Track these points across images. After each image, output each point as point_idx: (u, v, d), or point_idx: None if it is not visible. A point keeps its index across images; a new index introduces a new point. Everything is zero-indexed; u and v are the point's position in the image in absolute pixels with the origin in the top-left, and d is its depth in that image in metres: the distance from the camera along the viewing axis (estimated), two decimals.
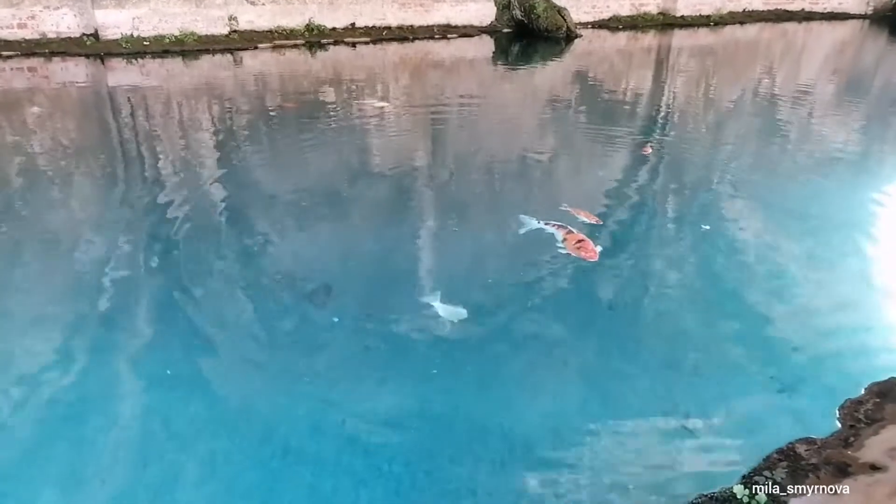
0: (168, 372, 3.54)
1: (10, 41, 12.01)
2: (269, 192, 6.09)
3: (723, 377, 3.56)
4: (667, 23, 18.87)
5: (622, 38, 17.19)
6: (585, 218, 5.37)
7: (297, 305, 4.21)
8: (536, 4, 16.20)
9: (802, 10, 21.24)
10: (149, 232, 5.20)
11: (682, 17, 19.18)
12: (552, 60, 14.14)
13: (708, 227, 5.34)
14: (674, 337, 3.92)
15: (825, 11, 21.48)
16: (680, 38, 17.45)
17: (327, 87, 10.68)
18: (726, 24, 19.47)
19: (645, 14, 18.99)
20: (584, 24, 17.77)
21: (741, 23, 19.79)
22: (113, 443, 3.06)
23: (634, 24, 18.57)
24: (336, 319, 4.01)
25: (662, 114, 9.41)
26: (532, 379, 3.55)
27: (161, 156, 7.00)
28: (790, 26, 19.75)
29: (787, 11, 21.02)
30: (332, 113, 8.98)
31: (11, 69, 11.22)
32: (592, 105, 9.95)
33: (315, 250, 5.04)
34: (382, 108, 9.18)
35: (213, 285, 4.43)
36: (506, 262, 4.79)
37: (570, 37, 16.15)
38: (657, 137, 7.91)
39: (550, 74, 12.74)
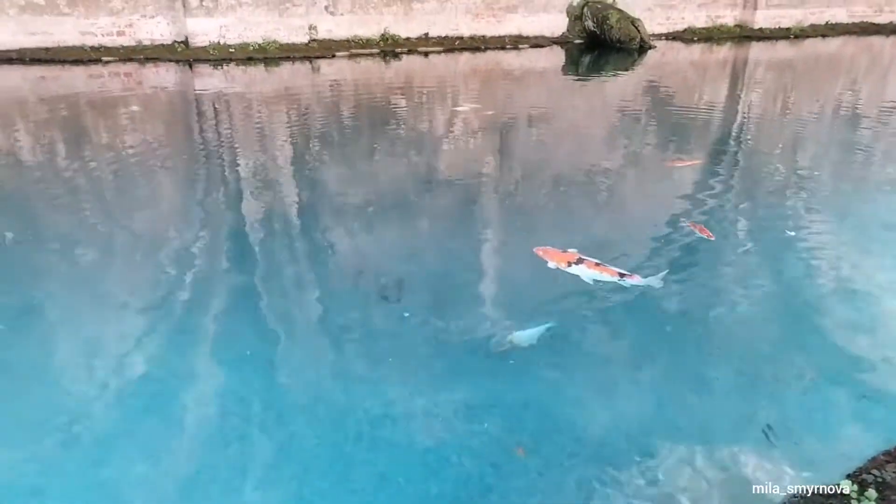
0: (248, 352, 3.81)
1: (109, 48, 12.90)
2: (339, 194, 6.38)
3: (804, 384, 3.56)
4: (744, 35, 18.43)
5: (696, 50, 16.92)
6: (701, 233, 5.32)
7: (370, 299, 4.43)
8: (610, 15, 16.15)
9: (891, 22, 20.20)
10: (228, 227, 5.56)
11: (761, 29, 18.68)
12: (624, 72, 14.08)
13: (793, 234, 5.36)
14: (755, 343, 3.94)
15: None
16: (757, 51, 17.02)
17: (398, 94, 11.00)
18: (807, 37, 18.82)
19: (721, 26, 18.61)
20: (658, 36, 17.58)
21: (823, 36, 19.09)
22: (197, 420, 3.30)
23: (710, 36, 18.23)
24: (407, 314, 4.21)
25: (736, 128, 9.26)
26: (606, 381, 3.61)
27: (240, 157, 7.43)
28: (877, 40, 18.87)
29: (874, 24, 20.07)
30: (401, 120, 9.26)
31: (110, 73, 12.04)
32: (663, 118, 9.88)
33: (384, 250, 5.25)
34: (462, 111, 9.40)
35: (289, 278, 4.71)
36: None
37: (644, 48, 16.02)
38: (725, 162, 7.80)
39: (621, 86, 12.69)
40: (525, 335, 3.88)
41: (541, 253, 4.88)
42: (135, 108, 9.66)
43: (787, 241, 5.30)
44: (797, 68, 15.13)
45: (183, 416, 3.33)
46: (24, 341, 3.92)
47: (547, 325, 3.97)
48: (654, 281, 4.53)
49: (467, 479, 2.92)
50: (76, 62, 12.42)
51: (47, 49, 12.50)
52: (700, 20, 18.40)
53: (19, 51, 12.31)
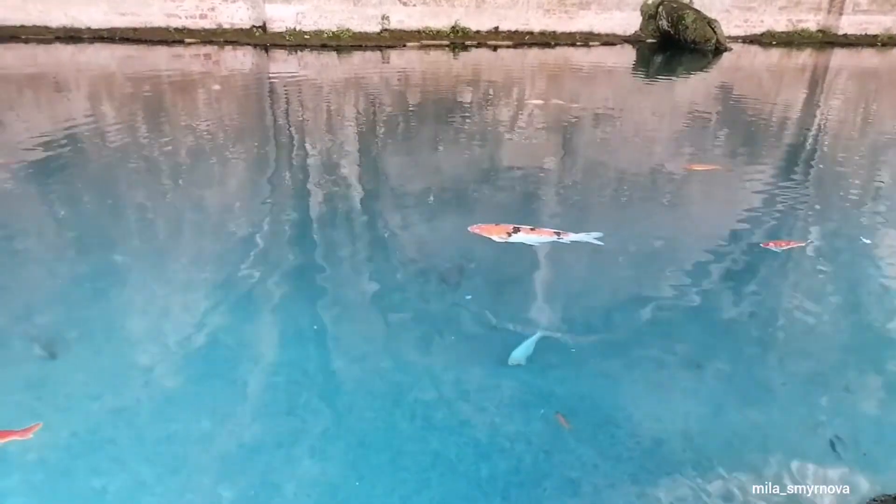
0: (315, 327, 3.99)
1: (192, 30, 13.46)
2: (402, 181, 6.53)
3: (878, 397, 3.52)
4: (826, 41, 17.72)
5: (775, 54, 16.37)
6: (775, 246, 5.23)
7: (430, 283, 4.56)
8: (685, 15, 15.81)
9: None
10: (294, 206, 5.77)
11: (845, 35, 17.91)
12: (696, 73, 13.78)
13: (868, 241, 5.25)
14: (826, 353, 3.90)
15: None
16: (840, 58, 16.33)
17: (465, 86, 11.09)
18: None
19: (802, 31, 17.94)
20: (735, 39, 17.09)
21: None
22: (261, 386, 3.47)
23: (790, 40, 17.60)
24: (469, 297, 4.33)
25: (811, 137, 8.97)
26: (664, 379, 3.63)
27: (307, 141, 7.68)
28: None
29: None
30: (466, 111, 9.36)
31: (191, 55, 12.56)
32: (734, 123, 9.65)
33: (445, 236, 5.35)
34: (534, 105, 9.44)
35: (352, 259, 4.89)
36: (634, 270, 4.89)
37: (719, 50, 15.62)
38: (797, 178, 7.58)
39: (692, 88, 12.44)
40: (520, 353, 3.79)
41: (478, 230, 5.11)
42: (215, 87, 10.07)
43: (863, 249, 5.18)
44: (882, 78, 14.46)
45: (247, 382, 3.51)
46: (103, 303, 4.19)
47: (537, 336, 3.91)
48: (588, 237, 5.03)
49: (519, 465, 3.00)
50: (161, 42, 13.02)
51: (135, 29, 13.14)
52: (780, 24, 17.78)
53: (110, 30, 13.00)
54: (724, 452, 3.09)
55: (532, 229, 5.10)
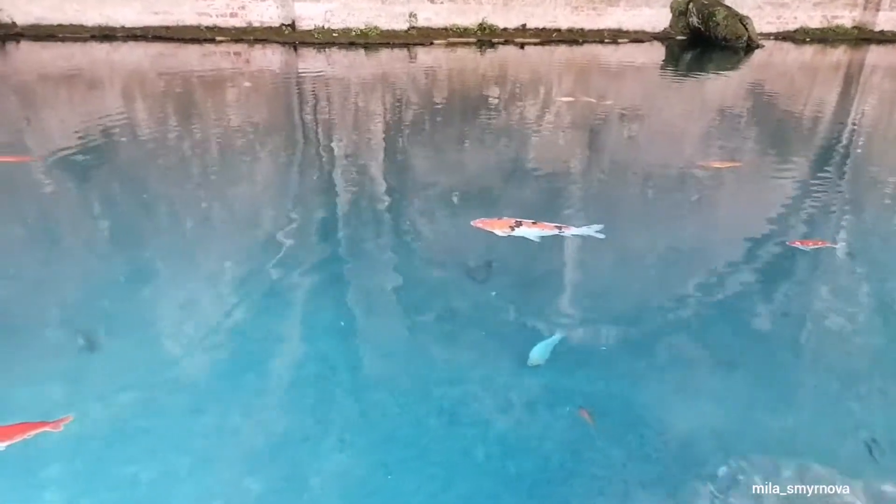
0: (342, 323, 4.02)
1: (223, 28, 13.64)
2: (428, 179, 6.53)
3: None
4: (862, 38, 17.31)
5: (808, 51, 16.05)
6: (802, 245, 5.16)
7: (457, 279, 4.57)
8: (717, 12, 15.57)
9: None
10: (321, 202, 5.82)
11: (882, 31, 17.47)
12: (727, 71, 13.57)
13: None
14: (860, 352, 3.84)
15: None
16: (876, 55, 15.94)
17: (491, 85, 11.06)
18: None
19: (837, 27, 17.55)
20: (767, 35, 16.79)
21: None
22: (289, 380, 3.52)
23: (824, 37, 17.24)
24: (494, 293, 4.33)
25: (844, 137, 8.77)
26: (695, 379, 3.60)
27: (333, 138, 7.72)
28: None
29: None
30: (492, 109, 9.33)
31: (221, 53, 12.73)
32: (765, 122, 9.49)
33: (468, 234, 5.32)
34: (562, 103, 9.39)
35: (380, 255, 4.91)
36: (660, 268, 4.85)
37: (751, 47, 15.36)
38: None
39: (723, 85, 12.25)
40: (540, 354, 3.73)
41: (481, 225, 5.16)
42: (246, 84, 10.19)
43: None
44: None
45: (276, 375, 3.56)
46: (136, 297, 4.27)
47: (557, 338, 3.86)
48: (588, 230, 5.10)
49: (547, 463, 2.99)
50: (192, 41, 13.22)
51: (167, 28, 13.36)
52: (814, 20, 17.42)
53: (143, 28, 13.24)
54: (756, 454, 3.05)
55: (534, 223, 5.14)
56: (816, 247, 5.12)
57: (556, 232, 5.08)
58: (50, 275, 4.54)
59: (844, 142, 8.38)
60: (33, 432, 3.05)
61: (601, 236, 5.05)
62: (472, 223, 5.21)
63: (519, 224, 5.12)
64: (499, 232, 5.05)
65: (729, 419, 3.30)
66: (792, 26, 17.36)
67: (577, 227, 5.16)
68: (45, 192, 5.86)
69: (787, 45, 16.60)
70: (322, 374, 3.58)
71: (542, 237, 5.01)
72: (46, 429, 3.07)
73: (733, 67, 13.84)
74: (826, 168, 7.24)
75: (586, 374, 3.60)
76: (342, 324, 4.02)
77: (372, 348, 3.84)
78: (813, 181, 6.73)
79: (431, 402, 3.38)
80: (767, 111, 10.13)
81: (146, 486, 2.82)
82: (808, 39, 17.14)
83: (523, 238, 5.03)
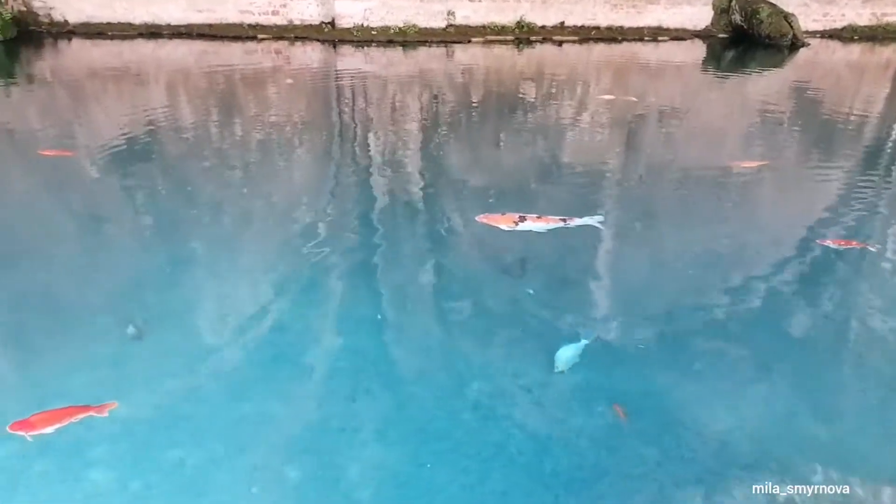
0: (378, 317, 4.08)
1: (264, 26, 13.86)
2: (462, 176, 6.57)
3: None
4: None
5: (855, 50, 15.58)
6: (837, 245, 5.09)
7: (493, 276, 4.62)
8: (760, 9, 15.22)
9: None
10: (357, 198, 5.90)
11: None
12: (770, 70, 13.26)
13: None
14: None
15: None
16: None
17: (527, 83, 11.03)
18: None
19: (888, 25, 16.99)
20: (812, 33, 16.35)
21: None
22: (326, 371, 3.60)
23: (873, 35, 16.71)
24: (531, 291, 4.35)
25: (886, 137, 8.50)
26: (733, 381, 3.58)
27: (370, 135, 7.80)
28: None
29: None
30: (528, 108, 9.31)
31: (262, 50, 12.94)
32: (809, 122, 9.26)
33: (503, 231, 5.35)
34: (602, 101, 9.33)
35: (415, 251, 4.97)
36: (696, 268, 4.80)
37: (795, 45, 14.97)
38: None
39: (765, 85, 11.98)
40: (566, 359, 3.66)
41: (486, 220, 5.19)
42: (287, 81, 10.35)
43: None
44: None
45: (314, 367, 3.65)
46: (179, 289, 4.40)
47: (584, 343, 3.79)
48: (592, 220, 5.22)
49: (582, 460, 3.00)
50: (235, 38, 13.46)
51: (211, 25, 13.63)
52: (863, 18, 16.90)
53: (188, 26, 13.54)
54: (794, 457, 3.01)
55: (538, 217, 5.19)
56: (849, 246, 5.02)
57: (560, 224, 5.12)
58: (98, 264, 4.71)
59: (891, 144, 8.14)
60: (80, 416, 3.18)
61: (600, 226, 5.17)
62: (476, 218, 5.25)
63: (523, 219, 5.15)
64: (504, 227, 5.09)
65: (765, 420, 3.26)
66: (839, 24, 16.86)
67: (580, 217, 5.24)
68: (95, 184, 6.07)
69: (834, 44, 16.14)
70: (358, 366, 3.65)
71: (549, 230, 5.06)
72: (92, 413, 3.20)
73: (777, 66, 13.53)
74: (870, 171, 7.06)
75: (621, 373, 3.59)
76: (378, 317, 4.08)
77: (408, 343, 3.90)
78: (854, 182, 6.57)
79: (466, 396, 3.42)
80: (810, 111, 9.89)
81: (190, 468, 2.92)
82: (856, 38, 16.63)
83: (555, 236, 5.03)
